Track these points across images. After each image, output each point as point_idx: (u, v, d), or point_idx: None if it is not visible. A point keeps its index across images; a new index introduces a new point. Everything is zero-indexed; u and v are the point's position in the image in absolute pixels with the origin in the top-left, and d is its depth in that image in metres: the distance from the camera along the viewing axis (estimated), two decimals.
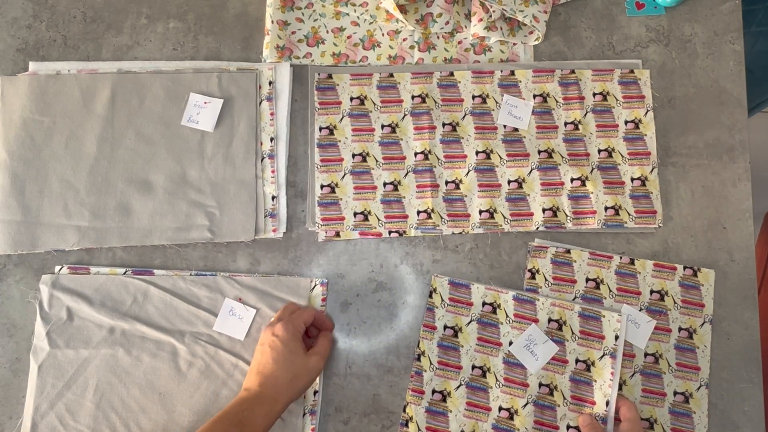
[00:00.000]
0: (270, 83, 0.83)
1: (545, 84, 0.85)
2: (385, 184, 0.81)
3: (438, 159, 0.82)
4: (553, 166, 0.82)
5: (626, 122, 0.84)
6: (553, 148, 0.83)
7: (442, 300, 0.78)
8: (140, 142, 0.80)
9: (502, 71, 0.85)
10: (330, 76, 0.84)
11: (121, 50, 0.84)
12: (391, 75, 0.85)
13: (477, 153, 0.82)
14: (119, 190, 0.78)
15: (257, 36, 0.85)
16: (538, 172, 0.82)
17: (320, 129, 0.82)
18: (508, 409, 0.74)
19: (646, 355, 0.77)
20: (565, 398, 0.75)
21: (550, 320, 0.77)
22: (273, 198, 0.80)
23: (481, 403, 0.75)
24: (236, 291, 0.77)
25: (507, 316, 0.77)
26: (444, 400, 0.75)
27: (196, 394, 0.73)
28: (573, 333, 0.76)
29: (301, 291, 0.77)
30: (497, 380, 0.75)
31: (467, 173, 0.82)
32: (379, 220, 0.80)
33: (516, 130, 0.83)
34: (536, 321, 0.77)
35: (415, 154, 0.82)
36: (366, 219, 0.80)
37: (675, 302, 0.79)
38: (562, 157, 0.83)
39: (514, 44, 0.87)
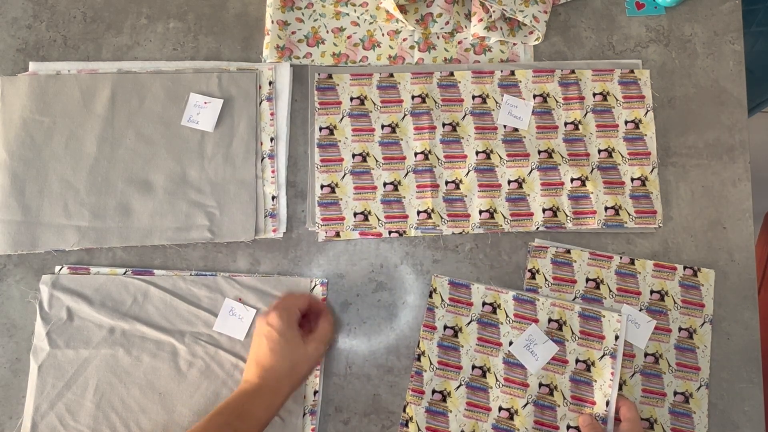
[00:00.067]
0: (270, 83, 0.83)
1: (545, 84, 0.85)
2: (385, 184, 0.81)
3: (438, 159, 0.82)
4: (553, 166, 0.82)
5: (626, 122, 0.84)
6: (553, 148, 0.83)
7: (442, 300, 0.78)
8: (140, 142, 0.80)
9: (502, 71, 0.85)
10: (330, 76, 0.84)
11: (121, 50, 0.84)
12: (391, 75, 0.85)
13: (477, 153, 0.82)
14: (119, 190, 0.78)
15: (257, 36, 0.85)
16: (538, 172, 0.82)
17: (320, 129, 0.82)
18: (508, 409, 0.74)
19: (646, 355, 0.77)
20: (565, 398, 0.75)
21: (550, 320, 0.77)
22: (273, 198, 0.80)
23: (481, 403, 0.75)
24: (236, 291, 0.77)
25: (507, 316, 0.77)
26: (444, 400, 0.75)
27: (196, 394, 0.73)
28: (573, 333, 0.76)
29: (302, 291, 0.77)
30: (497, 380, 0.75)
31: (467, 173, 0.82)
32: (379, 220, 0.80)
33: (516, 130, 0.83)
34: (536, 321, 0.77)
35: (415, 154, 0.82)
36: (366, 219, 0.80)
37: (675, 302, 0.79)
38: (562, 157, 0.83)
39: (514, 44, 0.87)
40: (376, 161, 0.82)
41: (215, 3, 0.86)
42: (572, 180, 0.82)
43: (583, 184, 0.82)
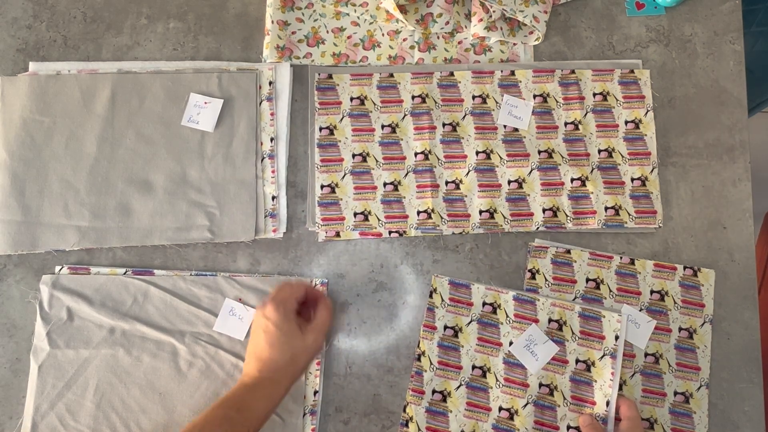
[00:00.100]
0: (270, 83, 0.83)
1: (545, 84, 0.85)
2: (385, 184, 0.81)
3: (438, 159, 0.82)
4: (553, 166, 0.82)
5: (626, 122, 0.84)
6: (554, 148, 0.83)
7: (443, 300, 0.78)
8: (140, 142, 0.80)
9: (502, 71, 0.85)
10: (330, 76, 0.84)
11: (121, 50, 0.84)
12: (391, 75, 0.85)
13: (477, 153, 0.82)
14: (119, 190, 0.78)
15: (257, 36, 0.85)
16: (538, 172, 0.82)
17: (320, 129, 0.82)
18: (508, 410, 0.74)
19: (646, 355, 0.77)
20: (565, 398, 0.75)
21: (550, 320, 0.77)
22: (273, 198, 0.80)
23: (481, 403, 0.75)
24: (236, 291, 0.77)
25: (507, 316, 0.77)
26: (444, 400, 0.75)
27: (197, 394, 0.73)
28: (573, 333, 0.76)
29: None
30: (497, 380, 0.75)
31: (467, 173, 0.82)
32: (379, 220, 0.80)
33: (516, 130, 0.83)
34: (536, 321, 0.77)
35: (415, 154, 0.82)
36: (366, 219, 0.80)
37: (675, 302, 0.79)
38: (562, 157, 0.83)
39: (514, 44, 0.87)
40: (376, 161, 0.82)
41: (215, 3, 0.86)
42: (572, 180, 0.82)
43: (583, 184, 0.82)
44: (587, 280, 0.79)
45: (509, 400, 0.74)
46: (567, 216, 0.81)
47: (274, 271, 0.79)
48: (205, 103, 0.81)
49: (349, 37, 0.86)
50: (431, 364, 0.76)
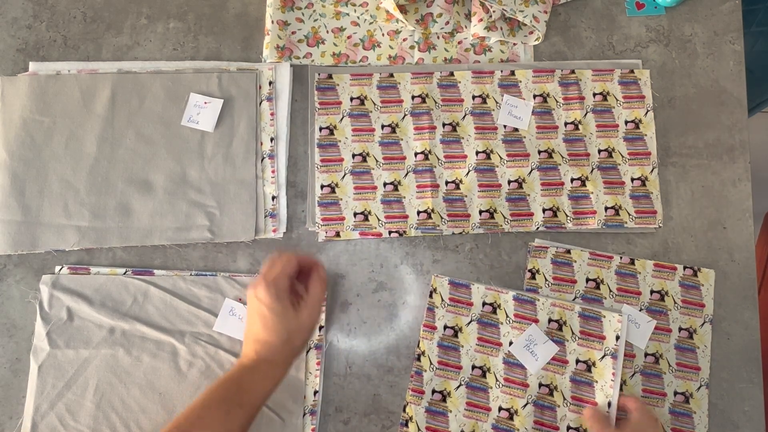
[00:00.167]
0: (270, 83, 0.83)
1: (545, 84, 0.85)
2: (385, 184, 0.81)
3: (438, 159, 0.82)
4: (553, 166, 0.82)
5: (626, 122, 0.84)
6: (553, 148, 0.83)
7: (442, 300, 0.78)
8: (140, 142, 0.80)
9: (502, 71, 0.85)
10: (330, 76, 0.84)
11: (121, 50, 0.84)
12: (391, 75, 0.85)
13: (477, 153, 0.82)
14: (119, 190, 0.78)
15: (257, 36, 0.85)
16: (538, 172, 0.82)
17: (320, 129, 0.82)
18: (508, 410, 0.74)
19: (646, 355, 0.77)
20: (565, 399, 0.75)
21: (550, 320, 0.77)
22: (273, 198, 0.80)
23: (481, 403, 0.75)
24: (236, 291, 0.77)
25: (507, 316, 0.77)
26: (444, 400, 0.75)
27: (196, 394, 0.73)
28: (573, 333, 0.76)
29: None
30: (497, 380, 0.75)
31: (467, 173, 0.82)
32: (379, 220, 0.80)
33: (516, 130, 0.83)
34: (536, 321, 0.77)
35: (415, 154, 0.82)
36: (366, 219, 0.80)
37: (675, 302, 0.79)
38: (562, 157, 0.83)
39: (514, 44, 0.87)
40: (376, 161, 0.82)
41: (215, 3, 0.86)
42: (572, 180, 0.82)
43: (583, 184, 0.82)
44: (587, 280, 0.79)
45: (509, 400, 0.74)
46: (567, 216, 0.81)
47: None
48: (205, 103, 0.81)
49: (349, 37, 0.86)
50: (431, 364, 0.76)
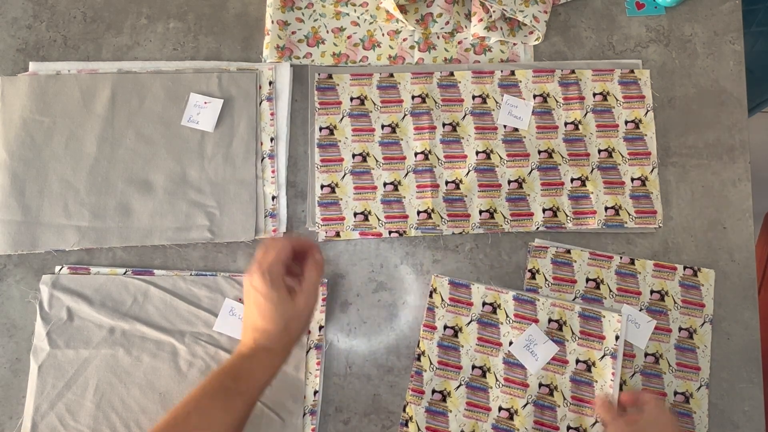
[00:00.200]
0: (270, 83, 0.83)
1: (545, 84, 0.85)
2: (385, 184, 0.81)
3: (438, 159, 0.82)
4: (553, 166, 0.82)
5: (626, 122, 0.84)
6: (553, 148, 0.83)
7: (442, 300, 0.78)
8: (140, 142, 0.80)
9: (502, 71, 0.85)
10: (330, 76, 0.84)
11: (121, 50, 0.84)
12: (391, 75, 0.85)
13: (477, 153, 0.82)
14: (119, 190, 0.78)
15: (257, 36, 0.85)
16: (538, 172, 0.82)
17: (320, 129, 0.82)
18: (508, 409, 0.74)
19: (646, 355, 0.77)
20: (565, 399, 0.75)
21: (550, 320, 0.77)
22: (273, 198, 0.80)
23: (481, 403, 0.75)
24: (236, 291, 0.77)
25: (507, 316, 0.77)
26: (444, 400, 0.75)
27: None
28: (573, 333, 0.76)
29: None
30: (497, 380, 0.75)
31: (467, 173, 0.82)
32: (379, 220, 0.80)
33: (516, 130, 0.83)
34: (536, 321, 0.77)
35: (415, 154, 0.82)
36: (366, 219, 0.80)
37: (675, 302, 0.79)
38: (562, 157, 0.83)
39: (514, 44, 0.87)
40: (376, 161, 0.82)
41: (215, 3, 0.86)
42: (572, 180, 0.82)
43: (583, 184, 0.82)
44: (587, 280, 0.79)
45: (509, 400, 0.74)
46: (567, 216, 0.81)
47: None
48: (205, 103, 0.81)
49: (349, 37, 0.86)
50: (431, 363, 0.76)
